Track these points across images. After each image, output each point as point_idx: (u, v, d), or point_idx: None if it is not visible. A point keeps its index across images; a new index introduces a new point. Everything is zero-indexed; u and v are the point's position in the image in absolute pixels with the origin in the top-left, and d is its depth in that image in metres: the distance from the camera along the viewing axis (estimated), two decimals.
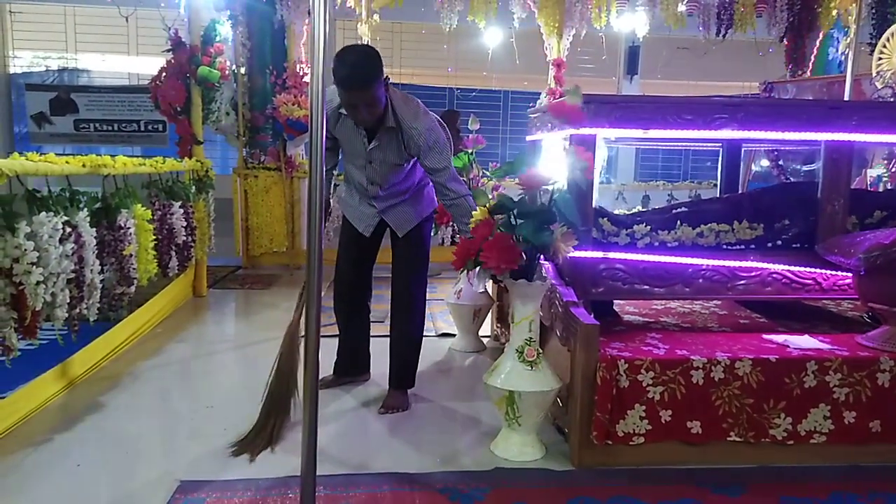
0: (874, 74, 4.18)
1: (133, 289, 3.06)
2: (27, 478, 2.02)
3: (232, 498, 1.89)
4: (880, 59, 4.14)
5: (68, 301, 2.41)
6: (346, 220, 2.75)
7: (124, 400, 2.69)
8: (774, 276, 2.52)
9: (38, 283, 2.16)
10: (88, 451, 2.22)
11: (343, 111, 2.42)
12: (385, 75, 2.32)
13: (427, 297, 2.72)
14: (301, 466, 1.64)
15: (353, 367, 2.88)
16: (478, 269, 2.16)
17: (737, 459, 2.17)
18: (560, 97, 2.27)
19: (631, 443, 2.13)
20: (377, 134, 2.43)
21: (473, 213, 2.30)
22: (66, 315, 2.41)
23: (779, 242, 2.56)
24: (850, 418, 2.18)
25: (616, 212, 2.74)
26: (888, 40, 4.10)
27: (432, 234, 3.18)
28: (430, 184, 2.62)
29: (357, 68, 2.25)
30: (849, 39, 4.46)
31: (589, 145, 2.32)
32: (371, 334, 2.91)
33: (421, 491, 1.96)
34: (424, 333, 2.73)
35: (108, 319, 3.14)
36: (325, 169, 2.64)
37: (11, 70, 7.49)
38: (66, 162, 2.58)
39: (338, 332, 2.87)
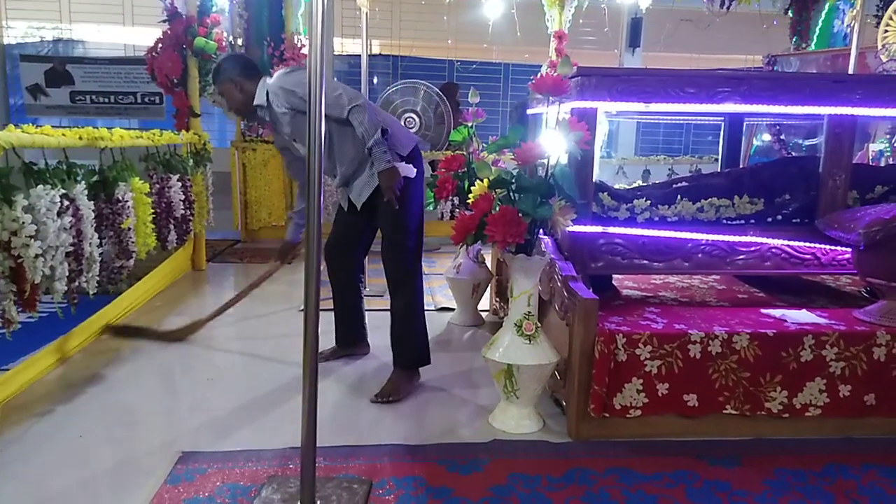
0: (880, 47, 4.14)
1: (132, 262, 3.06)
2: (29, 449, 2.05)
3: (233, 469, 1.92)
4: (886, 31, 4.09)
5: (67, 274, 2.41)
6: (339, 206, 2.77)
7: (125, 372, 2.70)
8: (774, 250, 2.52)
9: (36, 256, 2.15)
10: (90, 422, 2.24)
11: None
12: (230, 79, 2.56)
13: (420, 269, 2.61)
14: (301, 438, 1.66)
15: (347, 338, 2.88)
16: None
17: (733, 432, 2.19)
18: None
19: (628, 415, 2.15)
20: (266, 118, 2.62)
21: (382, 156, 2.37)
22: (66, 288, 2.41)
23: (779, 217, 2.56)
24: (846, 392, 2.20)
25: (616, 186, 2.73)
26: (895, 12, 4.05)
27: (430, 208, 3.14)
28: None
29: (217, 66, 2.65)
30: (855, 11, 4.40)
31: (590, 119, 2.30)
32: (366, 308, 2.91)
33: (420, 462, 1.99)
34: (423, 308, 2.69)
35: (108, 292, 3.15)
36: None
37: (6, 41, 7.40)
38: (63, 134, 2.56)
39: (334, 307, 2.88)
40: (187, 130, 4.33)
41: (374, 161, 2.43)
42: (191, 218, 4.03)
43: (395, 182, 2.41)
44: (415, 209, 2.57)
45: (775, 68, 5.38)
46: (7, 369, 2.43)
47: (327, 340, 2.83)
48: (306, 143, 2.38)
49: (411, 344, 2.59)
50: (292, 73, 2.56)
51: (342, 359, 2.85)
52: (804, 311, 2.43)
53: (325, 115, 2.34)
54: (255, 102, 2.58)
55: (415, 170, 2.52)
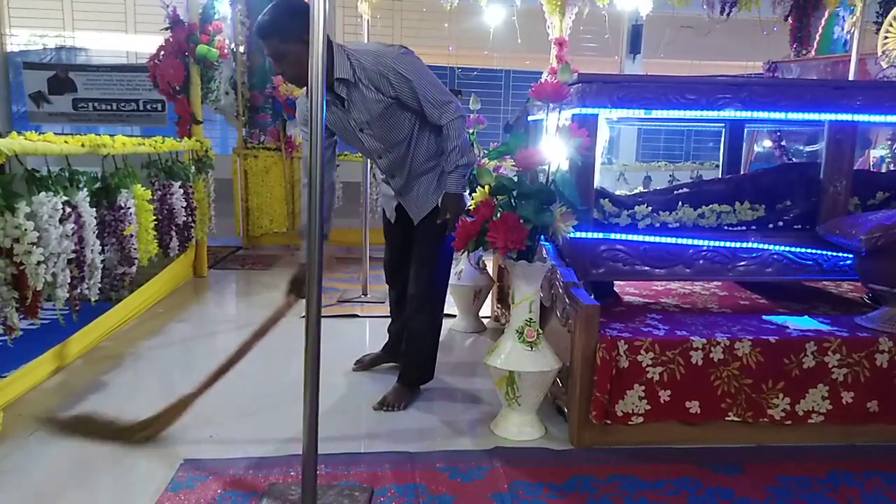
0: (880, 53, 4.14)
1: (134, 269, 3.06)
2: (31, 456, 2.04)
3: (234, 476, 1.91)
4: (886, 38, 4.10)
5: (69, 281, 2.41)
6: (384, 215, 2.65)
7: (126, 379, 2.70)
8: (775, 257, 2.52)
9: (38, 263, 2.16)
10: None
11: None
12: (303, 39, 1.95)
13: (446, 294, 2.54)
14: (303, 445, 1.65)
15: (391, 349, 2.81)
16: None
17: (735, 439, 2.19)
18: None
19: (630, 422, 2.14)
20: (343, 96, 2.24)
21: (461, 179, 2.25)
22: (67, 295, 2.41)
23: (780, 223, 2.56)
24: (848, 398, 2.19)
25: (617, 192, 2.73)
26: (895, 19, 4.05)
27: None
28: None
29: (266, 16, 2.12)
30: (855, 18, 4.42)
31: (590, 125, 2.31)
32: (370, 315, 2.88)
33: (421, 470, 1.98)
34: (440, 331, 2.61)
35: (110, 299, 3.15)
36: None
37: (8, 48, 7.43)
38: (66, 141, 2.57)
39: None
40: (189, 137, 4.34)
41: (449, 180, 2.29)
42: (192, 225, 4.04)
43: (461, 210, 2.28)
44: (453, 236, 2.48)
45: (776, 75, 5.39)
46: (7, 376, 2.43)
47: (329, 349, 2.82)
48: (380, 139, 2.26)
49: (423, 364, 2.55)
50: (402, 55, 2.22)
51: (375, 368, 2.80)
52: (806, 317, 2.42)
53: (419, 112, 2.26)
54: (338, 75, 2.17)
55: (471, 199, 2.34)
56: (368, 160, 4.01)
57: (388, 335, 2.85)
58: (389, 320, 2.84)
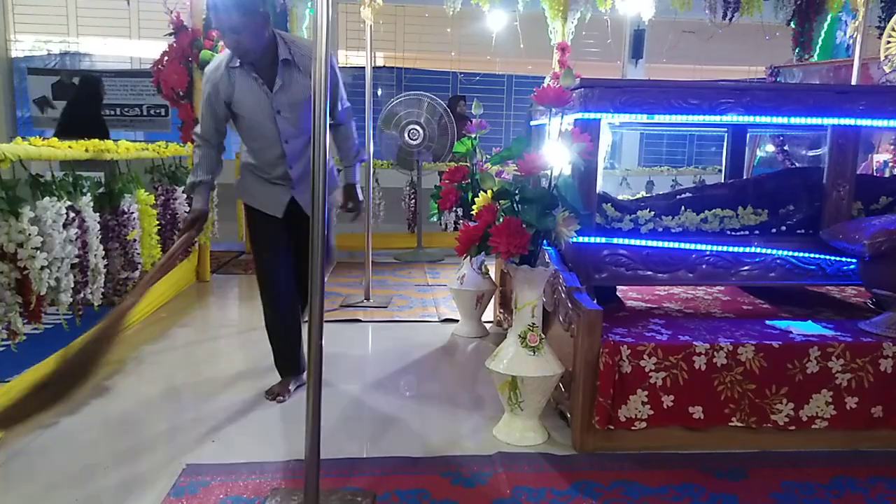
0: (882, 58, 4.14)
1: (137, 273, 3.07)
2: (34, 461, 2.04)
3: (237, 481, 1.91)
4: (889, 42, 4.09)
5: (73, 286, 2.42)
6: (258, 214, 2.49)
7: (129, 384, 2.70)
8: (778, 261, 2.51)
9: (42, 267, 2.17)
10: (93, 434, 2.24)
11: (233, 65, 2.31)
12: (262, 13, 2.21)
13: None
14: (305, 450, 1.66)
15: (301, 365, 2.60)
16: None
17: (738, 444, 2.18)
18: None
19: (633, 428, 2.14)
20: (276, 74, 2.29)
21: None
22: (71, 300, 2.42)
23: (783, 228, 2.56)
24: (852, 404, 2.18)
25: (620, 197, 2.74)
26: None
27: (434, 219, 3.15)
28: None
29: None
30: (857, 23, 4.41)
31: (593, 130, 2.31)
32: (368, 320, 2.84)
33: (424, 475, 1.98)
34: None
35: (113, 304, 3.15)
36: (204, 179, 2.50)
37: (13, 54, 7.47)
38: (69, 147, 2.58)
39: (275, 333, 2.58)
40: (192, 142, 4.35)
41: (355, 171, 2.50)
42: None
43: (361, 198, 2.53)
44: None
45: (778, 79, 5.39)
46: (10, 380, 2.43)
47: (331, 353, 2.82)
48: (294, 124, 2.30)
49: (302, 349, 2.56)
50: (332, 59, 2.42)
51: (300, 388, 2.57)
52: (809, 322, 2.42)
53: (330, 105, 2.30)
54: (283, 57, 2.27)
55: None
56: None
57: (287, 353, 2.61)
58: (297, 335, 2.57)
